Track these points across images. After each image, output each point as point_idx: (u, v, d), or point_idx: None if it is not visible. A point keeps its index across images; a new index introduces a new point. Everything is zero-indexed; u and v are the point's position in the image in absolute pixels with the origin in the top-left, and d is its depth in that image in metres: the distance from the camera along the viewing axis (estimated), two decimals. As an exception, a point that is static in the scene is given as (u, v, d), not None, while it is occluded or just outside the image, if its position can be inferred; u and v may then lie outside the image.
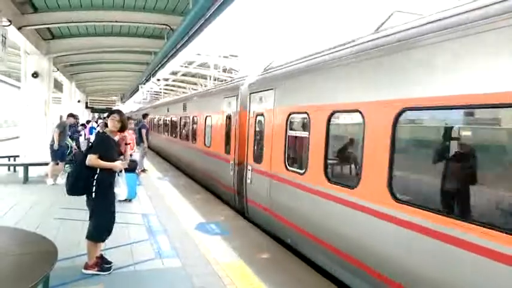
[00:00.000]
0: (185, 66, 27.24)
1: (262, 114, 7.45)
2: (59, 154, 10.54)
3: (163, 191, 10.38)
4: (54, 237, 4.67)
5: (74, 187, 4.65)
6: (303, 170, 5.72)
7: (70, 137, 13.37)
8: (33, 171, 11.12)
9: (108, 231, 4.84)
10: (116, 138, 5.12)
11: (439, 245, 3.38)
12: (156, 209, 8.26)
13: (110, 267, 4.82)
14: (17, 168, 12.00)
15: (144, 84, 21.23)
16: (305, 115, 5.78)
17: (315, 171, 5.37)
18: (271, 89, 7.06)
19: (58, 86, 18.24)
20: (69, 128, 13.49)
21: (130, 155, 8.15)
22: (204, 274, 4.88)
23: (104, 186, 4.66)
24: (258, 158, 7.46)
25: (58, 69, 15.90)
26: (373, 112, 4.29)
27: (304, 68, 6.16)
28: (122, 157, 5.25)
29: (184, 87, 34.49)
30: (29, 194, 9.20)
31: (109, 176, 4.72)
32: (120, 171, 4.87)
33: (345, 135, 5.49)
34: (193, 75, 30.77)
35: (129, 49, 14.71)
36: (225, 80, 20.17)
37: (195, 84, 31.26)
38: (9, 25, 8.32)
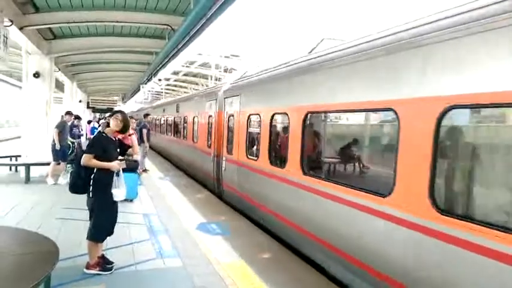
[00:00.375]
0: (186, 66, 27.25)
1: (232, 115, 9.19)
2: (60, 154, 10.56)
3: (164, 190, 10.39)
4: (56, 237, 4.67)
5: (75, 185, 4.68)
6: (257, 157, 7.54)
7: (72, 136, 13.41)
8: (34, 171, 11.14)
9: (108, 231, 4.84)
10: (119, 137, 5.11)
11: None
12: (157, 208, 8.27)
13: (112, 267, 4.83)
14: (19, 168, 12.03)
15: (146, 84, 21.26)
16: (258, 116, 7.64)
17: (264, 157, 7.19)
18: (238, 95, 8.87)
19: (59, 86, 18.28)
20: (71, 128, 13.53)
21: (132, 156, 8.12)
22: (205, 274, 4.88)
23: (101, 186, 4.65)
24: (230, 150, 9.19)
25: (59, 69, 15.92)
26: (294, 114, 6.09)
27: (257, 80, 8.19)
28: (130, 150, 5.23)
29: (186, 87, 34.51)
30: (31, 194, 9.22)
31: (106, 176, 4.68)
32: (118, 171, 4.82)
33: (281, 130, 7.11)
34: (194, 75, 30.78)
35: (130, 49, 14.73)
36: (208, 86, 23.40)
37: (197, 84, 31.28)
38: (11, 25, 8.33)
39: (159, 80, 27.25)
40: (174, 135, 17.18)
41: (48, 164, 10.72)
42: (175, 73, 30.00)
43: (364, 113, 5.01)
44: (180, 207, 8.45)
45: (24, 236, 4.41)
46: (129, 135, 5.20)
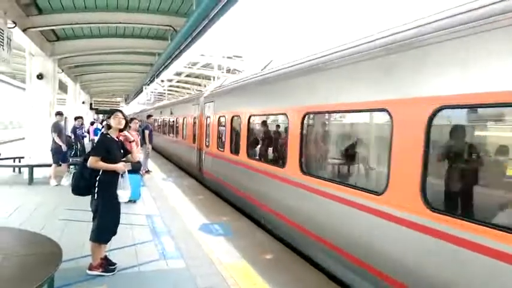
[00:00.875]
0: (189, 67, 27.30)
1: (209, 117, 11.50)
2: (60, 156, 10.58)
3: (167, 191, 10.40)
4: (59, 238, 4.69)
5: (78, 187, 4.71)
6: (223, 149, 9.82)
7: (75, 137, 13.44)
8: (38, 173, 11.18)
9: (112, 233, 4.85)
10: (121, 138, 5.13)
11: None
12: (160, 209, 8.28)
13: (114, 268, 4.84)
14: (22, 169, 12.06)
15: (148, 85, 21.31)
16: (224, 118, 9.88)
17: (227, 148, 9.47)
18: (212, 101, 11.29)
19: (63, 87, 18.35)
20: (74, 130, 13.56)
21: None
22: (208, 275, 4.88)
23: (106, 187, 4.68)
24: (207, 145, 11.47)
25: (63, 71, 15.97)
26: (243, 116, 8.29)
27: (224, 90, 10.68)
28: (128, 156, 5.25)
29: (189, 88, 34.58)
30: (34, 195, 9.25)
31: (111, 177, 4.72)
32: (123, 172, 4.85)
33: (237, 128, 8.95)
34: (197, 76, 30.84)
35: (133, 50, 14.75)
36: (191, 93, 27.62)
37: (199, 85, 31.34)
38: (14, 27, 8.37)
39: (162, 81, 27.32)
40: (169, 134, 19.65)
41: (51, 165, 10.75)
42: (178, 74, 30.08)
43: (265, 117, 8.29)
44: (183, 208, 8.46)
45: (27, 237, 4.42)
46: (130, 142, 5.19)
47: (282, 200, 6.35)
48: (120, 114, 4.94)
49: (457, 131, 3.77)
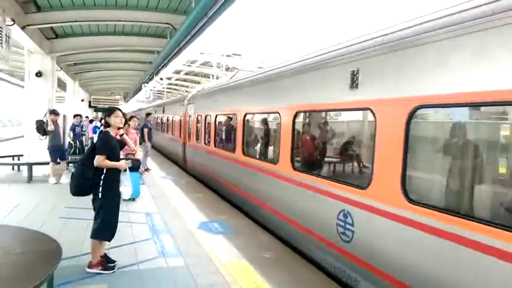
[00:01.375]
0: (188, 65, 27.27)
1: (190, 116, 14.05)
2: (57, 154, 10.57)
3: (166, 190, 10.40)
4: (58, 236, 4.66)
5: (80, 188, 4.68)
6: (199, 141, 12.45)
7: (74, 136, 13.41)
8: (37, 171, 11.16)
9: (115, 230, 4.88)
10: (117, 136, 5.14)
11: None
12: (159, 208, 8.28)
13: (114, 266, 4.84)
14: (21, 167, 12.04)
15: (147, 83, 21.29)
16: (200, 116, 12.35)
17: (202, 140, 12.06)
18: (193, 103, 13.84)
19: (62, 85, 18.28)
20: (74, 128, 13.53)
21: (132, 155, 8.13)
22: (208, 273, 4.89)
23: (111, 185, 4.72)
24: (189, 139, 13.98)
25: (61, 68, 15.94)
26: (212, 116, 10.80)
27: (200, 94, 13.56)
28: (128, 153, 5.30)
29: (187, 86, 34.54)
30: (33, 193, 9.25)
31: (115, 175, 4.78)
32: (125, 170, 4.91)
33: (208, 125, 11.42)
34: (196, 74, 30.80)
35: (132, 48, 14.76)
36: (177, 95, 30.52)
37: (198, 83, 31.30)
38: (13, 24, 8.35)
39: (161, 79, 27.28)
40: (161, 130, 21.78)
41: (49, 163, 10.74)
42: (177, 72, 30.02)
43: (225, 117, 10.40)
44: (182, 206, 8.46)
45: (27, 235, 4.42)
46: (121, 135, 5.18)
47: (231, 173, 9.12)
48: (120, 113, 4.98)
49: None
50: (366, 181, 4.39)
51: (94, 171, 4.62)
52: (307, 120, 6.73)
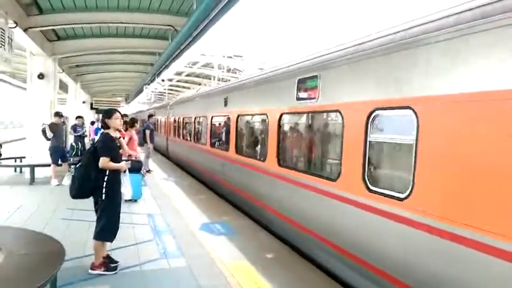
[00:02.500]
0: (189, 67, 27.30)
1: (169, 117, 19.12)
2: (58, 155, 10.59)
3: (168, 191, 10.42)
4: (61, 238, 4.68)
5: (82, 190, 4.67)
6: (180, 137, 16.07)
7: (75, 137, 13.44)
8: (39, 172, 11.20)
9: (117, 231, 4.91)
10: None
11: None
12: (161, 209, 8.29)
13: (116, 266, 4.85)
14: (24, 169, 12.09)
15: (149, 84, 21.33)
16: (178, 117, 16.89)
17: (178, 136, 16.67)
18: (173, 108, 18.68)
19: (63, 87, 18.31)
20: (75, 129, 13.56)
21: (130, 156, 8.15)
22: (210, 274, 4.90)
23: (114, 187, 4.75)
24: (170, 134, 18.80)
25: (63, 70, 15.97)
26: (184, 118, 15.77)
27: (176, 102, 20.08)
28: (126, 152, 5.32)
29: (189, 88, 34.58)
30: (36, 194, 9.27)
31: (117, 176, 4.81)
32: (125, 171, 4.94)
33: (183, 124, 15.85)
34: (197, 76, 30.84)
35: (133, 50, 14.77)
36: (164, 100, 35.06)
37: (199, 84, 31.34)
38: (15, 27, 8.37)
39: (162, 80, 27.34)
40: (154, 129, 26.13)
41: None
42: (179, 73, 30.08)
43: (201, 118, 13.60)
44: (184, 208, 8.48)
45: (30, 236, 4.44)
46: (118, 138, 5.20)
47: (197, 159, 12.92)
48: (119, 115, 5.03)
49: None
50: None
51: (97, 173, 4.64)
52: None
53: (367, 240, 4.30)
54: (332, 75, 5.23)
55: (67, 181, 10.36)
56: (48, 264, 3.48)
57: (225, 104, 9.83)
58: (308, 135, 6.54)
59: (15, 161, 13.41)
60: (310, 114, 6.13)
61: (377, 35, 4.56)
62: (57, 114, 10.92)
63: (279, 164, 6.65)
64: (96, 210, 4.83)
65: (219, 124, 11.14)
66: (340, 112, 4.93)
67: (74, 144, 13.15)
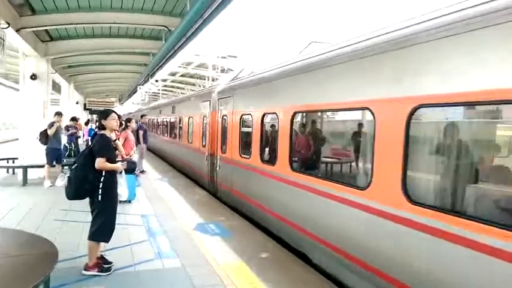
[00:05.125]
0: (183, 67, 27.23)
1: (146, 118, 23.37)
2: (52, 156, 10.53)
3: (162, 192, 10.39)
4: (54, 239, 4.67)
5: (79, 191, 4.64)
6: (159, 133, 21.25)
7: (69, 138, 13.35)
8: (32, 174, 11.12)
9: (113, 231, 4.89)
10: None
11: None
12: (155, 209, 8.28)
13: (110, 267, 4.84)
14: (16, 170, 12.00)
15: (143, 85, 21.28)
16: (155, 119, 23.05)
17: (165, 134, 19.26)
18: (146, 114, 24.02)
19: (56, 87, 18.22)
20: (68, 130, 13.47)
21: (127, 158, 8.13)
22: (204, 274, 4.90)
23: (110, 187, 4.74)
24: (152, 130, 23.05)
25: (56, 71, 15.90)
26: (166, 118, 19.28)
27: (148, 107, 29.72)
28: (122, 153, 5.32)
29: (183, 88, 34.48)
30: (29, 196, 9.21)
31: (113, 177, 4.81)
32: (121, 172, 4.95)
33: (166, 124, 18.95)
34: (191, 76, 30.76)
35: (127, 50, 14.74)
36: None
37: (193, 85, 31.26)
38: (8, 27, 8.33)
39: (156, 81, 27.27)
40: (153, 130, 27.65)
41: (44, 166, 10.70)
42: (173, 74, 29.98)
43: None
44: (178, 208, 8.46)
45: (23, 237, 4.42)
46: (114, 141, 5.19)
47: (173, 152, 16.23)
48: (116, 116, 5.02)
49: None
50: None
51: (93, 174, 4.63)
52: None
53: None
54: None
55: (60, 182, 10.28)
56: (41, 265, 3.47)
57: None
58: None
59: (8, 162, 13.32)
60: None
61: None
62: (58, 114, 10.88)
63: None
64: (92, 211, 4.81)
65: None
66: None
67: (67, 145, 13.05)
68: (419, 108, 3.64)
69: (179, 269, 5.07)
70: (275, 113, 6.70)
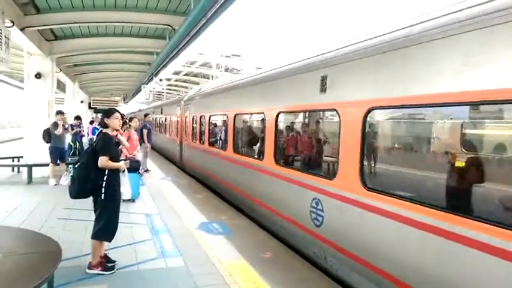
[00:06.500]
0: (187, 66, 27.28)
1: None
2: (56, 155, 10.57)
3: (166, 191, 10.41)
4: (58, 237, 4.69)
5: (82, 190, 4.65)
6: (158, 131, 22.46)
7: (73, 137, 13.40)
8: (37, 172, 11.17)
9: (115, 231, 4.91)
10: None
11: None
12: (159, 208, 8.29)
13: (113, 266, 4.85)
14: (21, 169, 12.05)
15: (147, 84, 21.32)
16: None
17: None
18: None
19: (61, 86, 18.29)
20: (72, 129, 13.51)
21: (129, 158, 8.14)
22: (207, 273, 4.90)
23: (113, 186, 4.75)
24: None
25: (61, 70, 15.94)
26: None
27: (145, 109, 31.33)
28: (124, 151, 5.34)
29: (187, 87, 34.55)
30: (33, 194, 9.25)
31: (116, 176, 4.82)
32: (124, 170, 4.95)
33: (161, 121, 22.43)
34: (195, 75, 30.82)
35: (131, 49, 14.77)
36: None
37: (197, 84, 31.32)
38: (12, 26, 8.35)
39: (160, 80, 27.33)
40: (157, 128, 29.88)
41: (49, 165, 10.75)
42: (177, 73, 30.06)
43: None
44: (182, 207, 8.47)
45: (27, 236, 4.44)
46: (115, 135, 5.22)
47: (159, 142, 20.07)
48: (119, 115, 5.04)
49: None
50: None
51: (96, 173, 4.64)
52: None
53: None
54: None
55: (65, 181, 10.32)
56: (45, 264, 3.48)
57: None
58: None
59: (13, 160, 13.38)
60: None
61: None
62: (60, 112, 10.91)
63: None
64: (95, 210, 4.83)
65: None
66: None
67: (71, 143, 13.10)
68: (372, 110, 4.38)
69: (182, 268, 5.07)
70: (204, 116, 11.79)
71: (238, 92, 9.05)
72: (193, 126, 13.23)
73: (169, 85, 35.16)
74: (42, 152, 11.03)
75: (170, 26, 10.40)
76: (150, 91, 29.11)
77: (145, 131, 13.74)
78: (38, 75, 11.85)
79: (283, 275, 4.98)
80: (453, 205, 3.56)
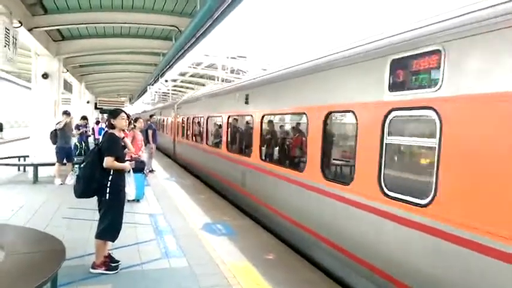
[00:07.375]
0: (193, 67, 27.34)
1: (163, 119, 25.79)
2: (62, 154, 10.62)
3: (170, 191, 10.43)
4: (63, 237, 4.71)
5: (87, 190, 4.66)
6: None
7: (80, 137, 13.48)
8: (42, 172, 11.23)
9: (119, 230, 4.93)
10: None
11: None
12: (163, 209, 8.31)
13: (117, 266, 4.86)
14: (27, 168, 12.13)
15: (153, 85, 21.42)
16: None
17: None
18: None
19: (68, 87, 18.40)
20: (78, 129, 13.59)
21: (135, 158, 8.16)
22: (211, 274, 4.90)
23: (118, 187, 4.76)
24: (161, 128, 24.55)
25: (68, 70, 16.05)
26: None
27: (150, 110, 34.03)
28: (130, 152, 5.36)
29: (193, 88, 34.64)
30: (38, 194, 9.31)
31: (121, 176, 4.82)
32: (129, 171, 4.95)
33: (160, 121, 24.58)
34: (201, 76, 30.89)
35: (137, 50, 14.83)
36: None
37: (203, 85, 31.38)
38: (20, 27, 8.42)
39: (166, 81, 27.42)
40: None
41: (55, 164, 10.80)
42: (182, 74, 30.14)
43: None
44: (186, 208, 8.48)
45: (32, 235, 4.46)
46: (122, 138, 5.22)
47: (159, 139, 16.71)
48: (125, 116, 5.07)
49: None
50: None
51: (102, 173, 4.66)
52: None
53: None
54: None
55: (70, 180, 10.39)
56: (49, 263, 3.50)
57: None
58: None
59: (19, 160, 13.47)
60: None
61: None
62: (65, 113, 10.97)
63: None
64: (99, 210, 4.85)
65: None
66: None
67: (77, 143, 13.17)
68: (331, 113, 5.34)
69: (186, 268, 5.07)
70: (189, 117, 14.95)
71: (212, 100, 12.28)
72: (182, 126, 16.67)
73: (175, 86, 35.26)
74: (48, 151, 11.08)
75: (176, 27, 10.43)
76: (156, 92, 29.23)
77: (150, 132, 13.78)
78: (45, 76, 11.93)
79: (286, 277, 4.97)
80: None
